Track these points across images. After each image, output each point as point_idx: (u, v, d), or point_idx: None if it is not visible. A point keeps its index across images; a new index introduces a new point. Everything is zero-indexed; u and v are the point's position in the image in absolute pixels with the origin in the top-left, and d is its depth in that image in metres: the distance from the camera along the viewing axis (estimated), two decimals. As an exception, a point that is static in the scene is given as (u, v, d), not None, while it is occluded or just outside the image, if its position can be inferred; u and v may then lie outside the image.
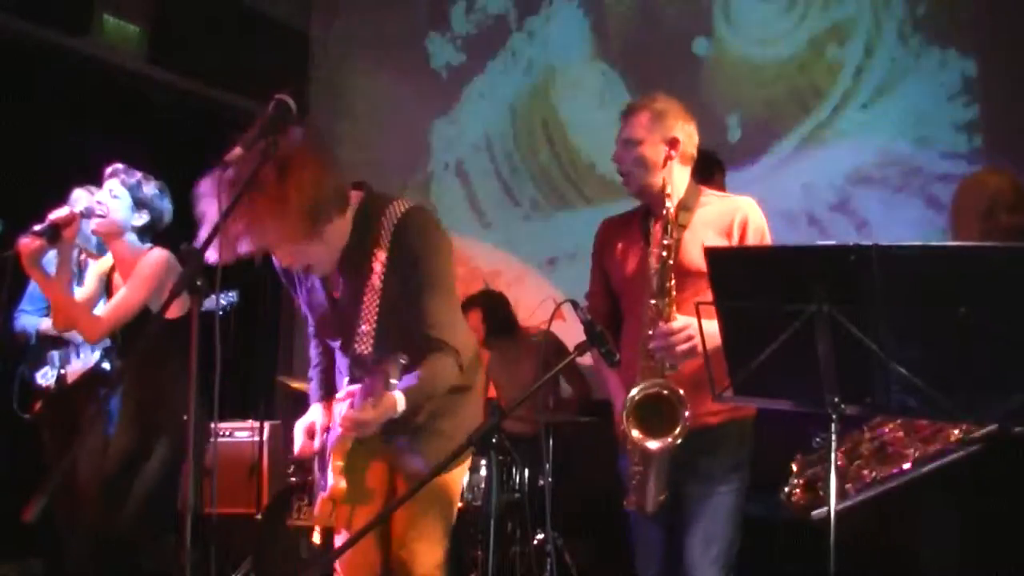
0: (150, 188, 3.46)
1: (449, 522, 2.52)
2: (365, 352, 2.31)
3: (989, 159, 4.30)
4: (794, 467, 2.63)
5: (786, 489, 2.62)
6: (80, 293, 3.48)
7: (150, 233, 3.47)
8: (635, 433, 2.45)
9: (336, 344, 2.49)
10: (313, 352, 2.71)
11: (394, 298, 2.32)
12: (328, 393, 2.57)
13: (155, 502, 3.31)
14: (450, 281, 2.41)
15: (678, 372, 2.49)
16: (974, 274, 1.78)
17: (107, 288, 3.52)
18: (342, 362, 2.51)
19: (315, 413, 2.54)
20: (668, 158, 2.63)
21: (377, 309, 2.30)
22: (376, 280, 2.29)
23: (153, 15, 5.65)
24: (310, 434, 2.49)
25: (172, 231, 3.47)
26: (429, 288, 2.33)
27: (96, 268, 3.59)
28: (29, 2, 4.94)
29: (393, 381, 2.19)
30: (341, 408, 2.32)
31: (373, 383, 2.20)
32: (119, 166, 3.45)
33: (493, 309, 4.80)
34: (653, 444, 2.44)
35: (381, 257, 2.30)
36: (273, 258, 2.42)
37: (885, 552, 3.02)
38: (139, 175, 3.45)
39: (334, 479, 2.34)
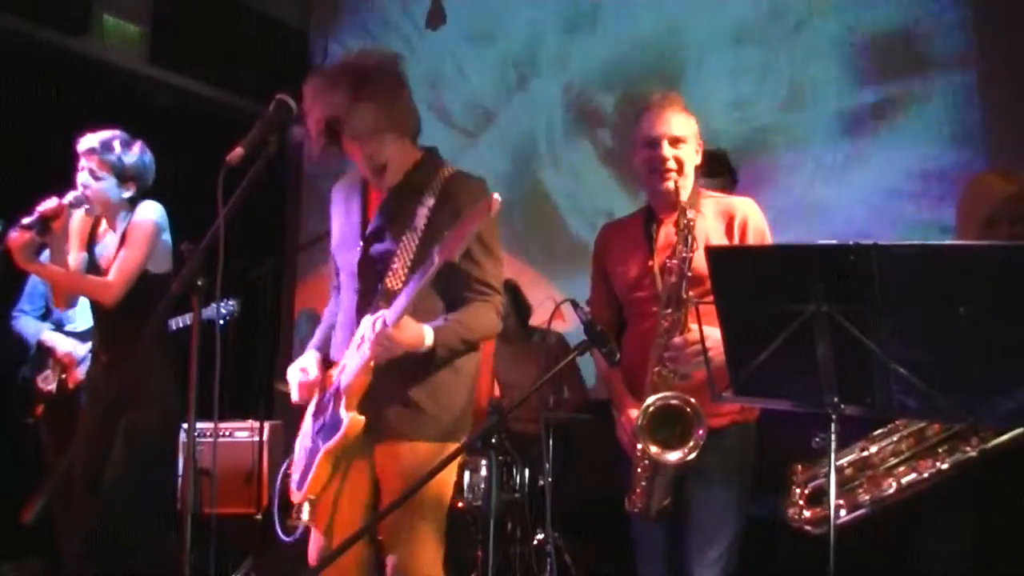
0: (131, 155, 3.36)
1: (441, 521, 2.48)
2: (396, 287, 2.38)
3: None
4: (794, 479, 2.60)
5: (792, 511, 2.59)
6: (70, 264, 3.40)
7: (140, 198, 3.40)
8: (653, 448, 2.44)
9: (348, 267, 2.52)
10: (331, 304, 2.73)
11: (432, 243, 2.37)
12: (327, 346, 2.60)
13: (137, 496, 3.25)
14: (496, 240, 2.51)
15: (688, 379, 2.49)
16: (974, 274, 1.78)
17: (90, 247, 3.44)
18: (350, 299, 2.52)
19: (309, 358, 2.57)
20: (696, 164, 2.64)
21: (415, 250, 2.40)
22: (420, 223, 2.40)
23: (153, 15, 5.65)
24: (307, 380, 2.53)
25: (172, 228, 3.45)
26: (479, 241, 2.41)
27: (75, 228, 3.48)
28: (29, 2, 4.94)
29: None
30: (369, 324, 2.32)
31: (403, 303, 2.26)
32: (94, 143, 3.33)
33: (515, 296, 4.85)
34: (672, 456, 2.44)
35: (428, 203, 2.42)
36: (339, 183, 2.65)
37: (885, 553, 3.02)
38: (116, 145, 3.34)
39: (348, 415, 2.36)
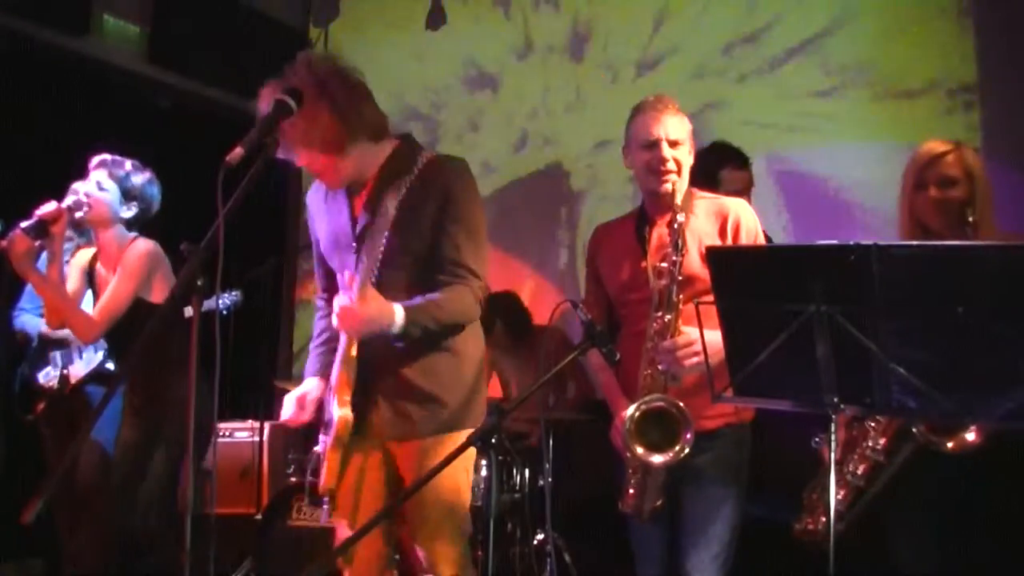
0: (139, 178, 3.42)
1: (461, 515, 2.49)
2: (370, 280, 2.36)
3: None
4: (805, 501, 2.63)
5: (803, 523, 2.61)
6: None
7: (138, 223, 3.45)
8: (639, 449, 2.44)
9: (343, 269, 2.48)
10: (318, 323, 2.70)
11: (407, 229, 2.37)
12: (326, 370, 2.57)
13: (161, 500, 3.31)
14: (480, 221, 2.45)
15: (678, 382, 2.49)
16: (974, 274, 1.78)
17: (90, 279, 3.49)
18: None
19: (309, 384, 2.55)
20: (691, 165, 2.65)
21: (386, 237, 2.37)
22: (391, 210, 2.37)
23: (153, 15, 5.65)
24: (301, 404, 2.52)
25: (172, 228, 3.46)
26: (460, 222, 2.38)
27: (76, 261, 3.55)
28: (29, 2, 4.94)
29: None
30: (340, 300, 2.31)
31: (361, 275, 2.24)
32: (106, 157, 3.40)
33: (510, 313, 4.80)
34: (657, 459, 2.44)
35: (402, 190, 2.38)
36: (312, 190, 2.60)
37: (883, 554, 3.02)
38: (128, 165, 3.40)
39: (337, 412, 2.36)
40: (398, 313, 2.30)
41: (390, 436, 2.45)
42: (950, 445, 2.37)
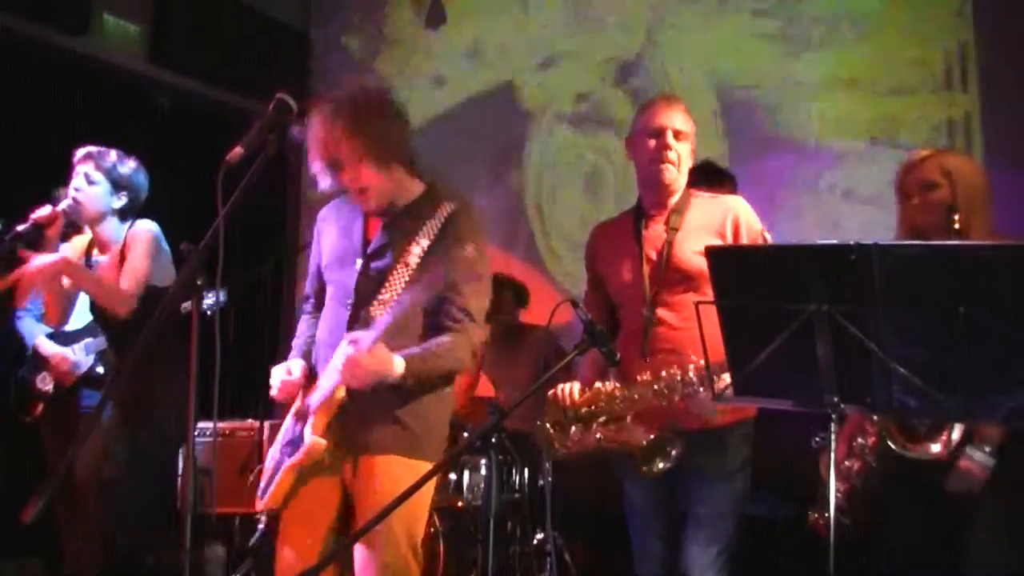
0: (126, 167, 3.40)
1: (412, 528, 2.42)
2: (379, 316, 2.37)
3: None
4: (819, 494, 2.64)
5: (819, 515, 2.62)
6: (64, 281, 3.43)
7: (130, 212, 3.44)
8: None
9: (342, 283, 2.51)
10: (303, 324, 2.71)
11: (422, 280, 2.38)
12: (310, 356, 2.59)
13: (140, 496, 3.27)
14: (485, 265, 2.49)
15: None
16: (974, 274, 1.78)
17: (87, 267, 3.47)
18: (339, 315, 2.50)
19: (295, 363, 2.57)
20: (689, 166, 2.66)
21: (404, 284, 2.39)
22: (412, 259, 2.40)
23: (153, 15, 5.65)
24: (288, 371, 2.53)
25: (172, 228, 3.46)
26: (469, 272, 2.42)
27: (73, 251, 3.52)
28: (29, 2, 4.94)
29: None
30: (345, 349, 2.30)
31: (378, 332, 2.24)
32: (91, 149, 3.38)
33: (519, 294, 4.90)
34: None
35: (423, 243, 2.41)
36: (328, 207, 2.64)
37: (884, 552, 3.03)
38: (113, 155, 3.39)
39: (311, 437, 2.35)
40: (398, 365, 2.32)
41: (355, 451, 2.42)
42: (912, 452, 2.39)
